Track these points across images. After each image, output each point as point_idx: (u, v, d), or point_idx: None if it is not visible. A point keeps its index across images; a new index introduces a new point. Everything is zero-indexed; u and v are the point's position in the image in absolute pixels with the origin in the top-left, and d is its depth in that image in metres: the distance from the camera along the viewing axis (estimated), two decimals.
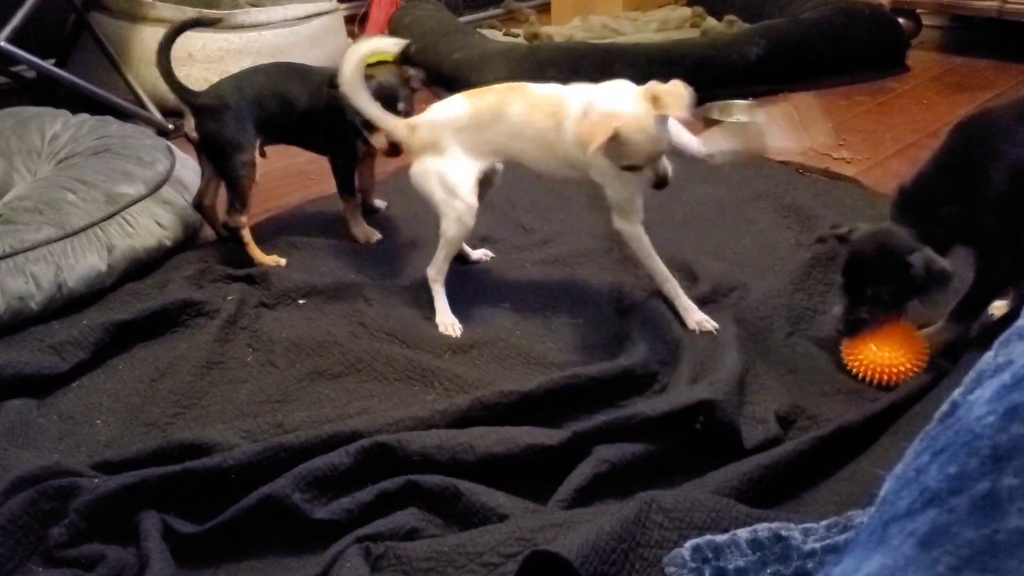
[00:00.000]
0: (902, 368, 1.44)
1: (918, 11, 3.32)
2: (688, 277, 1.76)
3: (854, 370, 1.48)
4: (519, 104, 1.60)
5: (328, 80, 1.87)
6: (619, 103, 1.47)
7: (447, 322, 1.67)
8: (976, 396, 0.48)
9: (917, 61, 3.18)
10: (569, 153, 1.56)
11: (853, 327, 1.47)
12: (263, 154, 1.94)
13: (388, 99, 1.76)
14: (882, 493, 0.50)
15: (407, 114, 1.79)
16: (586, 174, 1.59)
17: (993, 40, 3.25)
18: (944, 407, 0.53)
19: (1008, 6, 2.98)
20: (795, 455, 1.25)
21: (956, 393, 0.54)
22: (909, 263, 1.37)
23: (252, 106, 1.87)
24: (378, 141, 1.79)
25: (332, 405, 1.45)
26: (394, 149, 1.76)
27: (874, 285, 1.44)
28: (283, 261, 1.91)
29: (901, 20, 3.21)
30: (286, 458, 1.25)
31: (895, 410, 1.36)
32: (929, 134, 2.52)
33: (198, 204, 1.97)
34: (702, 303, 1.65)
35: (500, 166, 1.71)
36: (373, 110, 1.67)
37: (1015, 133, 1.37)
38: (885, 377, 1.45)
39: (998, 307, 1.58)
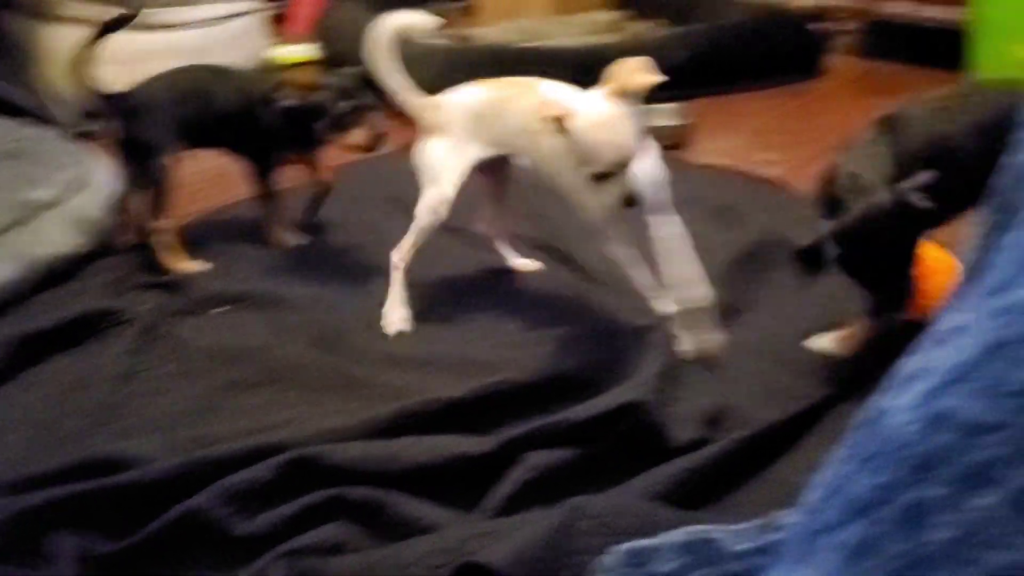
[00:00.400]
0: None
1: (835, 16, 3.39)
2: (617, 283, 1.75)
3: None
4: (527, 100, 1.56)
5: (252, 83, 1.84)
6: (590, 98, 1.42)
7: (392, 317, 1.64)
8: (900, 402, 0.48)
9: (834, 65, 3.24)
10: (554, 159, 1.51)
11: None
12: (192, 155, 1.90)
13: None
14: (808, 501, 0.50)
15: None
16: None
17: (906, 44, 3.34)
18: (869, 412, 0.54)
19: (920, 12, 3.06)
20: (721, 456, 1.26)
21: (880, 398, 0.54)
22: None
23: (174, 108, 1.82)
24: (356, 137, 1.77)
25: (253, 416, 1.41)
26: (374, 143, 1.75)
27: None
28: (204, 266, 1.86)
29: (819, 25, 3.28)
30: (207, 472, 1.21)
31: (819, 409, 1.38)
32: (847, 136, 2.57)
33: (118, 207, 1.91)
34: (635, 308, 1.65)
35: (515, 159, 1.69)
36: (404, 87, 1.66)
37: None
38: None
39: None
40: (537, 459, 1.25)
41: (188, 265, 1.86)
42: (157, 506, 1.17)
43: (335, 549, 1.13)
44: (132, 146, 1.82)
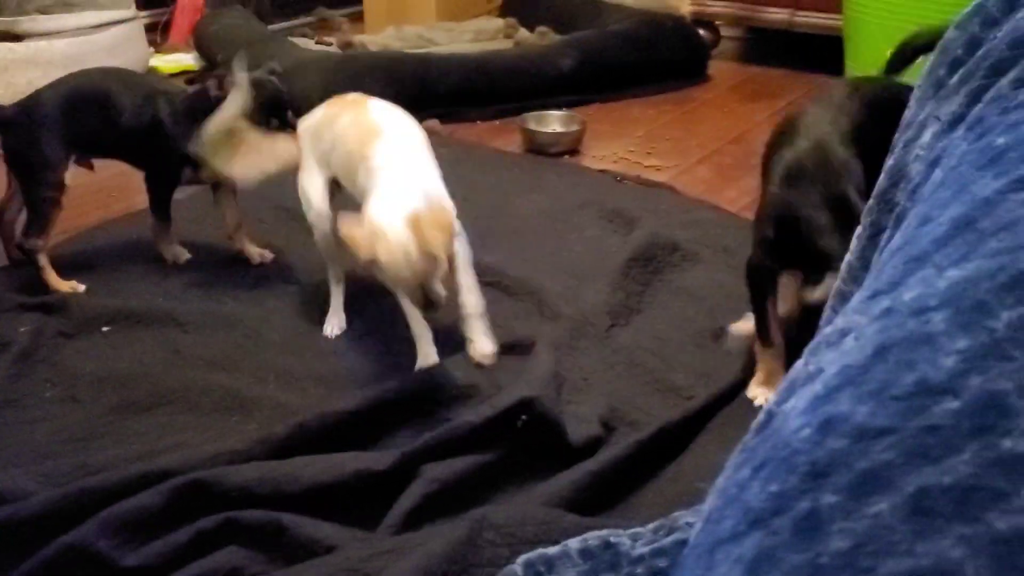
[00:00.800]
0: None
1: (717, 23, 3.48)
2: (521, 289, 1.76)
3: None
4: (346, 118, 1.57)
5: (153, 92, 1.81)
6: (391, 216, 1.34)
7: (331, 321, 1.66)
8: (790, 406, 0.49)
9: (717, 71, 3.32)
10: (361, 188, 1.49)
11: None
12: (89, 166, 1.84)
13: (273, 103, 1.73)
14: (706, 508, 0.50)
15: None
16: None
17: (785, 50, 3.45)
18: (760, 417, 0.54)
19: (797, 19, 3.17)
20: (620, 459, 1.28)
21: (771, 402, 0.54)
22: None
23: (64, 120, 1.73)
24: (206, 176, 1.74)
25: (142, 441, 1.36)
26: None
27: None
28: (82, 287, 1.78)
29: (702, 31, 3.35)
30: (91, 502, 1.15)
31: (711, 408, 1.41)
32: (731, 140, 2.64)
33: None
34: (528, 315, 1.66)
35: None
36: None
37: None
38: None
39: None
40: (437, 471, 1.24)
41: (67, 284, 1.77)
42: (36, 542, 1.11)
43: (231, 575, 1.09)
44: (17, 161, 1.74)
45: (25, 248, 1.76)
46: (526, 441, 1.31)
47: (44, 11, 2.89)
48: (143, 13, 3.34)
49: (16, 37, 2.66)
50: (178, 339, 1.62)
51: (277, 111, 1.73)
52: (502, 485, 1.26)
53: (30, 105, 1.75)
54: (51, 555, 1.09)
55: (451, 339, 1.55)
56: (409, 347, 1.55)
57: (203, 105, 1.72)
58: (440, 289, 1.37)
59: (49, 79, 1.85)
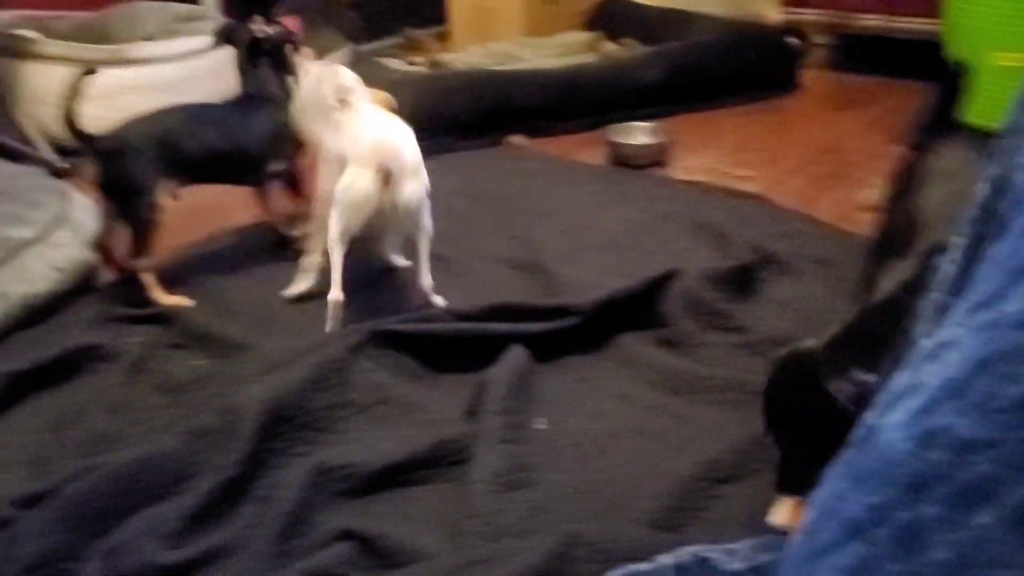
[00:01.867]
0: None
1: (808, 31, 3.43)
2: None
3: None
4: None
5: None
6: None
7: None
8: (891, 420, 0.48)
9: (808, 79, 3.27)
10: None
11: None
12: (176, 198, 1.88)
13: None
14: (804, 523, 0.50)
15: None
16: None
17: (878, 57, 3.38)
18: (860, 431, 0.54)
19: (892, 24, 3.10)
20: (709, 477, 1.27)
21: (871, 416, 0.54)
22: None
23: (158, 148, 1.81)
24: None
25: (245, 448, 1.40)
26: None
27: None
28: (189, 301, 1.85)
29: (791, 40, 3.31)
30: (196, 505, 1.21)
31: None
32: (825, 150, 2.60)
33: (96, 244, 1.90)
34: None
35: None
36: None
37: None
38: None
39: None
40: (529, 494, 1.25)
41: (174, 299, 1.85)
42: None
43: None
44: (115, 187, 1.80)
45: (131, 270, 1.84)
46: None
47: (150, 38, 3.01)
48: None
49: (124, 63, 2.77)
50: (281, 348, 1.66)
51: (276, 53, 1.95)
52: (592, 505, 1.26)
53: (124, 135, 1.81)
54: None
55: None
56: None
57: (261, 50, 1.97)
58: None
59: (155, 103, 1.93)
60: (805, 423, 1.05)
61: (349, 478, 1.29)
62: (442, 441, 1.35)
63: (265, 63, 1.99)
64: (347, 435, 1.41)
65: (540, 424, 1.42)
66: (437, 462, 1.34)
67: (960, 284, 0.73)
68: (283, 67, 1.99)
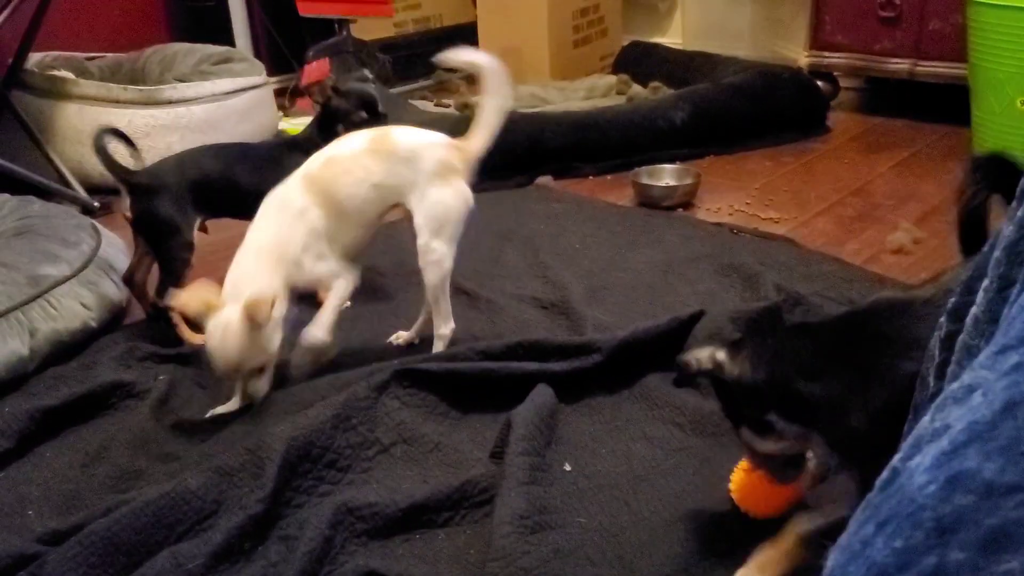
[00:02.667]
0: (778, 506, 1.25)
1: (835, 73, 3.44)
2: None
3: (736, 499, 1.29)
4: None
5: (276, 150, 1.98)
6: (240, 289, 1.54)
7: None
8: (916, 463, 0.48)
9: (837, 122, 3.27)
10: None
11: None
12: (204, 230, 1.92)
13: (368, 103, 1.91)
14: (828, 567, 0.49)
15: (387, 117, 1.91)
16: None
17: (907, 101, 3.38)
18: (884, 474, 0.53)
19: (919, 68, 3.10)
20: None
21: (896, 459, 0.53)
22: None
23: (192, 186, 1.84)
24: None
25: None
26: None
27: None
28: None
29: (820, 83, 3.32)
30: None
31: None
32: (852, 192, 2.59)
33: (128, 279, 1.93)
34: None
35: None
36: None
37: None
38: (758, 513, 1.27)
39: None
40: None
41: (201, 338, 1.85)
42: None
43: None
44: (149, 224, 1.83)
45: (160, 307, 1.86)
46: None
47: (183, 79, 3.07)
48: (273, 79, 3.50)
49: (157, 103, 2.83)
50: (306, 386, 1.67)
51: (369, 109, 1.93)
52: (619, 551, 1.25)
53: (159, 172, 1.85)
54: None
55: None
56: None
57: (329, 117, 1.94)
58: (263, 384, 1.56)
59: (186, 143, 1.98)
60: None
61: (373, 518, 1.29)
62: (466, 482, 1.35)
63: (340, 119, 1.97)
64: (371, 474, 1.41)
65: (565, 467, 1.41)
66: (461, 503, 1.33)
67: (985, 327, 0.72)
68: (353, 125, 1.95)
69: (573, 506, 1.32)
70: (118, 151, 1.84)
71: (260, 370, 1.54)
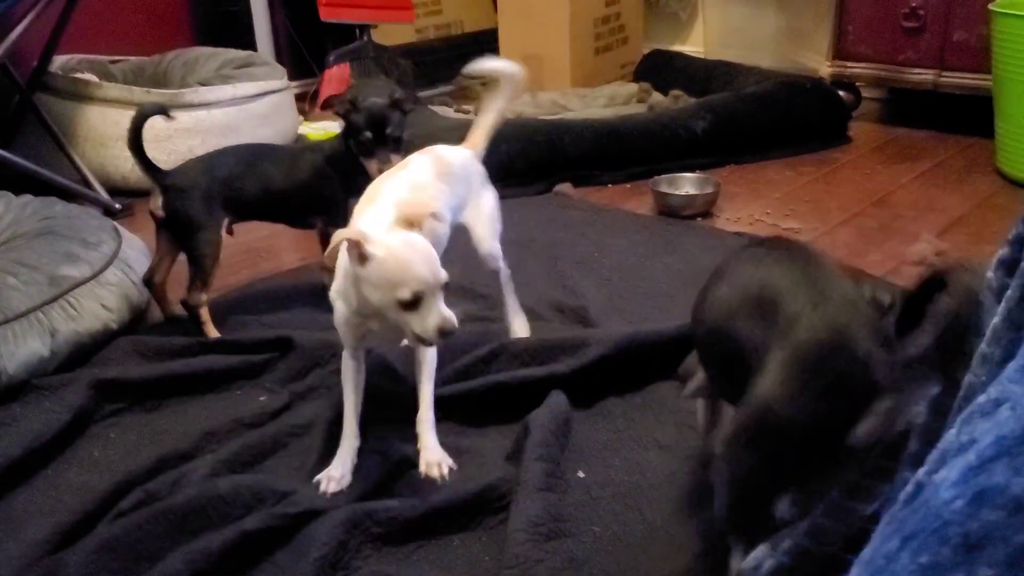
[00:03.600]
0: None
1: (858, 84, 3.42)
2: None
3: None
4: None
5: (299, 152, 1.97)
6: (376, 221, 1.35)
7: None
8: (941, 477, 0.47)
9: (859, 132, 3.25)
10: None
11: None
12: (231, 232, 1.94)
13: (377, 124, 1.84)
14: None
15: (397, 140, 1.85)
16: None
17: (930, 111, 3.35)
18: (909, 487, 0.52)
19: (942, 79, 3.08)
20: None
21: (920, 472, 0.52)
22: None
23: (222, 187, 1.87)
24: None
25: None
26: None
27: None
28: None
29: (842, 92, 3.30)
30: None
31: None
32: (874, 203, 2.57)
33: (148, 280, 1.95)
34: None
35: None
36: None
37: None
38: None
39: None
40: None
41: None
42: None
43: None
44: (179, 223, 1.85)
45: (189, 304, 1.87)
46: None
47: (205, 83, 3.08)
48: (293, 83, 3.52)
49: (178, 107, 2.84)
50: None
51: (377, 129, 1.86)
52: (633, 560, 1.24)
53: (191, 172, 1.87)
54: None
55: None
56: None
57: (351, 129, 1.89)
58: (444, 314, 1.27)
59: (207, 146, 1.99)
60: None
61: (389, 523, 1.28)
62: (485, 487, 1.35)
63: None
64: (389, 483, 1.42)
65: (579, 474, 1.41)
66: (478, 509, 1.33)
67: (1005, 335, 0.71)
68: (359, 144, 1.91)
69: (587, 515, 1.31)
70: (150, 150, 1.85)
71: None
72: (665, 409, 1.56)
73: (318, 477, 1.39)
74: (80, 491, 1.41)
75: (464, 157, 1.70)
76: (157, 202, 1.85)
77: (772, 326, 1.01)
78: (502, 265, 1.74)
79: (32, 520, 1.35)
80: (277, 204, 1.95)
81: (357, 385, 1.46)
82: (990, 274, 0.75)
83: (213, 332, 1.89)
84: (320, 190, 1.91)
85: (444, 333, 1.27)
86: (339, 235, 1.27)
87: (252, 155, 1.95)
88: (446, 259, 1.38)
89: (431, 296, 1.26)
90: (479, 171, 1.72)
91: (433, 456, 1.43)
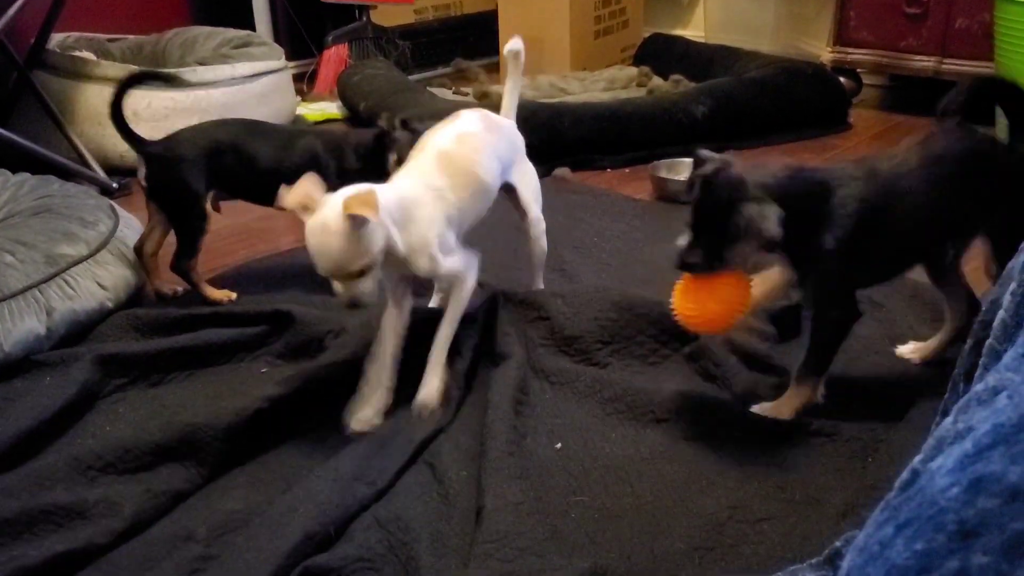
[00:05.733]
0: (713, 317, 1.38)
1: (859, 71, 3.41)
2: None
3: (675, 313, 1.41)
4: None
5: (296, 135, 1.96)
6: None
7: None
8: (937, 465, 0.47)
9: (859, 119, 3.25)
10: None
11: (690, 264, 1.38)
12: (217, 208, 1.94)
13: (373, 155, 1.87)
14: (845, 567, 0.49)
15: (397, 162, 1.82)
16: None
17: (930, 99, 3.34)
18: (904, 475, 0.52)
19: (944, 66, 3.07)
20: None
21: (916, 460, 0.52)
22: (739, 210, 1.29)
23: (206, 158, 1.86)
24: None
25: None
26: None
27: (710, 228, 1.33)
28: (234, 295, 1.93)
29: (842, 79, 3.29)
30: None
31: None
32: None
33: (138, 249, 1.95)
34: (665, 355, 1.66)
35: None
36: None
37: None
38: (695, 323, 1.40)
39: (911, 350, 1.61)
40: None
41: (221, 293, 1.93)
42: None
43: None
44: (164, 193, 1.86)
45: (180, 270, 1.90)
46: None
47: (203, 62, 3.07)
48: (291, 64, 3.51)
49: (177, 88, 2.83)
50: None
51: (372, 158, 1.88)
52: (621, 534, 1.24)
53: (172, 142, 1.87)
54: None
55: None
56: None
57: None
58: (368, 286, 1.35)
59: None
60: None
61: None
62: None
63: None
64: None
65: (557, 445, 1.41)
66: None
67: (1013, 331, 0.71)
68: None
69: (575, 487, 1.31)
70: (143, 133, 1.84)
71: (362, 273, 1.34)
72: (666, 388, 1.56)
73: (350, 419, 1.45)
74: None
75: (509, 122, 1.75)
76: (142, 171, 1.86)
77: None
78: (543, 236, 1.78)
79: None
80: (263, 184, 1.89)
81: (395, 330, 1.51)
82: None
83: (213, 292, 1.91)
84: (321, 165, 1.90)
85: (349, 305, 1.36)
86: (294, 191, 1.35)
87: (245, 130, 1.94)
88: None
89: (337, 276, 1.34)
90: (522, 140, 1.76)
91: (427, 397, 1.47)
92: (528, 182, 1.75)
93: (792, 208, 1.29)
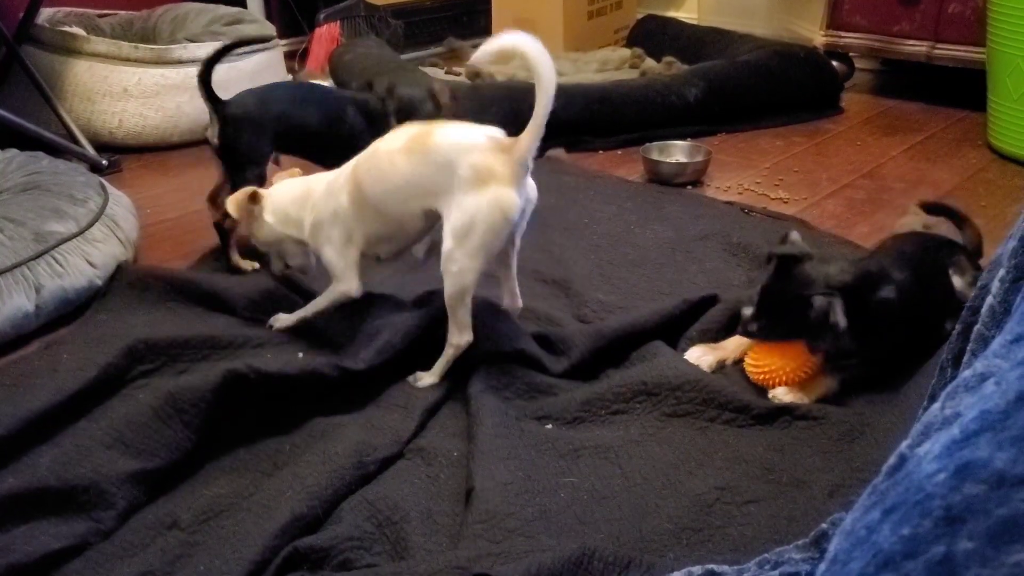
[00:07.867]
0: (781, 374, 1.50)
1: (851, 54, 3.40)
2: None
3: (748, 372, 1.55)
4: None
5: (342, 98, 2.11)
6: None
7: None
8: (924, 450, 0.47)
9: (851, 103, 3.25)
10: None
11: (751, 332, 1.54)
12: (277, 163, 2.04)
13: (407, 114, 1.97)
14: (831, 550, 0.49)
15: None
16: None
17: (922, 84, 3.35)
18: (891, 460, 0.53)
19: (936, 51, 3.07)
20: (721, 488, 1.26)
21: (903, 445, 0.53)
22: (810, 303, 1.43)
23: (274, 122, 1.95)
24: None
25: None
26: None
27: (778, 308, 1.50)
28: (257, 264, 1.98)
29: (835, 63, 3.29)
30: None
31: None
32: (864, 175, 2.57)
33: (212, 198, 2.02)
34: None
35: None
36: None
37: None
38: (765, 379, 1.52)
39: None
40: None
41: (245, 263, 1.99)
42: None
43: (344, 564, 1.13)
44: (231, 151, 1.93)
45: (223, 227, 1.97)
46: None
47: (194, 39, 3.04)
48: (283, 42, 3.48)
49: (167, 63, 2.81)
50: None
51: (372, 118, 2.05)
52: (609, 514, 1.25)
53: (247, 105, 1.94)
54: None
55: None
56: None
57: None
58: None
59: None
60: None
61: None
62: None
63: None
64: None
65: (548, 426, 1.42)
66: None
67: (1001, 317, 0.72)
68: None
69: (564, 467, 1.32)
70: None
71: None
72: (656, 372, 1.55)
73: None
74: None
75: (460, 146, 1.51)
76: (214, 130, 1.92)
77: None
78: (451, 276, 1.49)
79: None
80: (314, 145, 2.04)
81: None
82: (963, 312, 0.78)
83: (239, 260, 1.98)
84: (352, 141, 1.92)
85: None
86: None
87: (302, 95, 2.06)
88: None
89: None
90: (476, 168, 1.49)
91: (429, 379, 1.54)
92: (456, 216, 1.45)
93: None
